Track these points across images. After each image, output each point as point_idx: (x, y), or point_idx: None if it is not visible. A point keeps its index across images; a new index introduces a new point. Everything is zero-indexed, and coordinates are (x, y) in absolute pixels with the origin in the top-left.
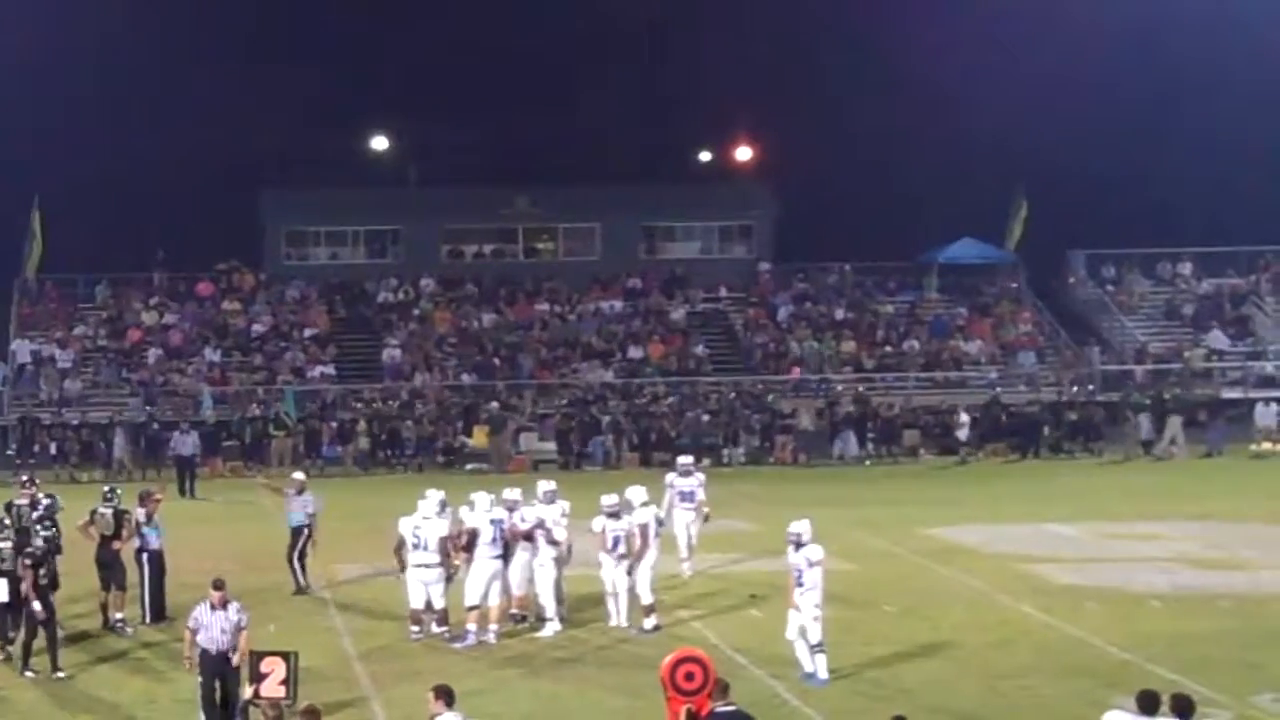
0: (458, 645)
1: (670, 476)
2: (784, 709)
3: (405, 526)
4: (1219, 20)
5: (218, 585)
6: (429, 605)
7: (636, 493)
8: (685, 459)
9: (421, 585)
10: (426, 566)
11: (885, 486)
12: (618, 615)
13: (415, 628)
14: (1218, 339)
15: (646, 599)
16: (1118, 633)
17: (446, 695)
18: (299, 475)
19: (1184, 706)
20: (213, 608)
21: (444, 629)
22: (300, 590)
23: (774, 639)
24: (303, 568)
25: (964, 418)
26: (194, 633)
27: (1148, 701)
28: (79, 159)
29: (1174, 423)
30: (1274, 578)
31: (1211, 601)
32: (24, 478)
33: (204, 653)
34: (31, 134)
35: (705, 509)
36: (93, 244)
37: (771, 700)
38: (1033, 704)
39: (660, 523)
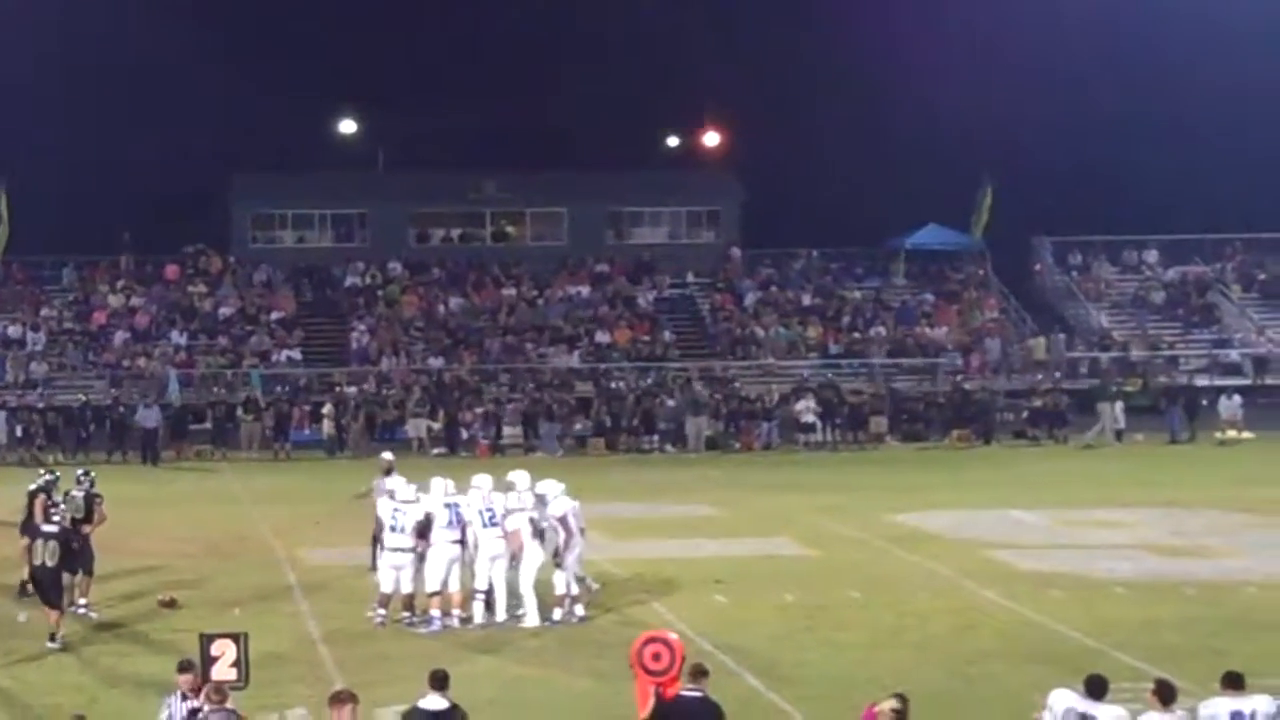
0: (423, 630)
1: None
2: (748, 694)
3: (384, 509)
4: (1185, 9)
5: (184, 667)
6: (398, 590)
7: (550, 485)
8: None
9: (393, 570)
10: (401, 550)
11: (850, 472)
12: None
13: (381, 611)
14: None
15: (559, 589)
16: (1082, 619)
17: (435, 679)
18: (387, 455)
19: (1166, 693)
20: (184, 697)
21: (406, 614)
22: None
23: (738, 624)
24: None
25: (809, 403)
26: None
27: (1096, 686)
28: (45, 141)
29: None
30: (1238, 565)
31: (1176, 589)
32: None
33: None
34: None
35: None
36: (59, 226)
37: (736, 685)
38: (997, 690)
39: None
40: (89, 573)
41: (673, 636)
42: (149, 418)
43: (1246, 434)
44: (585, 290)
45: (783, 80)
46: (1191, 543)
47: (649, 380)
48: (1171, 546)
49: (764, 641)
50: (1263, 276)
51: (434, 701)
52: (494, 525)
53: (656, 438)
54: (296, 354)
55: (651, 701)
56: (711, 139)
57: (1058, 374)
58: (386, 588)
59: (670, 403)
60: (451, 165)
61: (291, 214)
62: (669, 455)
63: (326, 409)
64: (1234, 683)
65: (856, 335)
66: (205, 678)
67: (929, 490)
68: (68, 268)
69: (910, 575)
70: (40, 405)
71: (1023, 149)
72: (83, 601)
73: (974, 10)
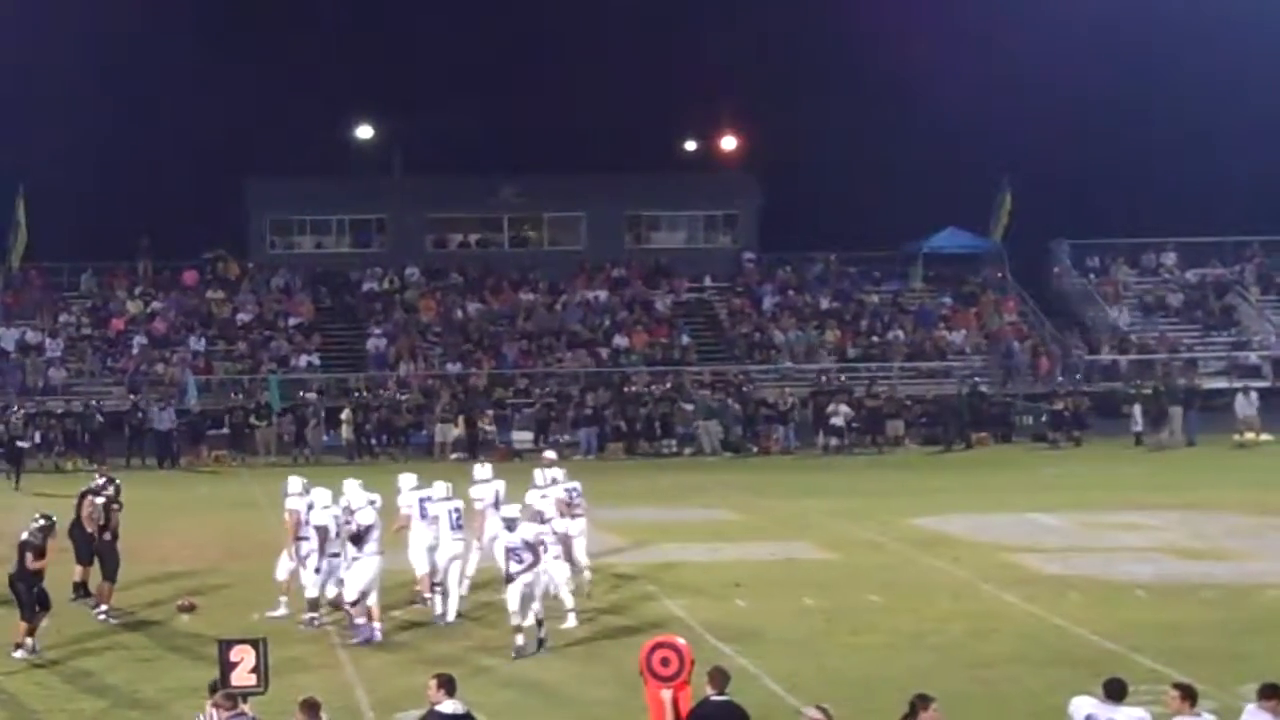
0: (357, 640)
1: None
2: (768, 698)
3: (327, 516)
4: (1202, 12)
5: (216, 688)
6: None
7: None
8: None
9: (323, 575)
10: (338, 555)
11: (868, 476)
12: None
13: (361, 620)
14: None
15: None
16: (1102, 622)
17: (448, 684)
18: (550, 454)
19: (1189, 693)
20: None
21: (313, 615)
22: None
23: (758, 628)
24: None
25: (841, 407)
26: None
27: (1115, 689)
28: (64, 147)
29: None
30: (1257, 568)
31: (1195, 591)
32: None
33: None
34: (16, 123)
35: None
36: (78, 232)
37: (755, 689)
38: (1017, 693)
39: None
40: (111, 579)
41: (681, 641)
42: (163, 420)
43: (1265, 436)
44: (603, 294)
45: (800, 84)
46: (1211, 545)
47: (666, 384)
48: (1191, 549)
49: (783, 645)
50: None
51: (451, 706)
52: (459, 528)
53: (674, 442)
54: (315, 359)
55: (669, 712)
56: (729, 143)
57: (1078, 376)
58: (316, 591)
59: (688, 407)
60: (469, 170)
61: (309, 219)
62: (687, 459)
63: (345, 414)
64: (1268, 694)
65: (875, 339)
66: (225, 684)
67: (948, 494)
68: (86, 273)
69: (929, 579)
70: (59, 411)
71: (1041, 152)
72: (103, 607)
73: (992, 13)
